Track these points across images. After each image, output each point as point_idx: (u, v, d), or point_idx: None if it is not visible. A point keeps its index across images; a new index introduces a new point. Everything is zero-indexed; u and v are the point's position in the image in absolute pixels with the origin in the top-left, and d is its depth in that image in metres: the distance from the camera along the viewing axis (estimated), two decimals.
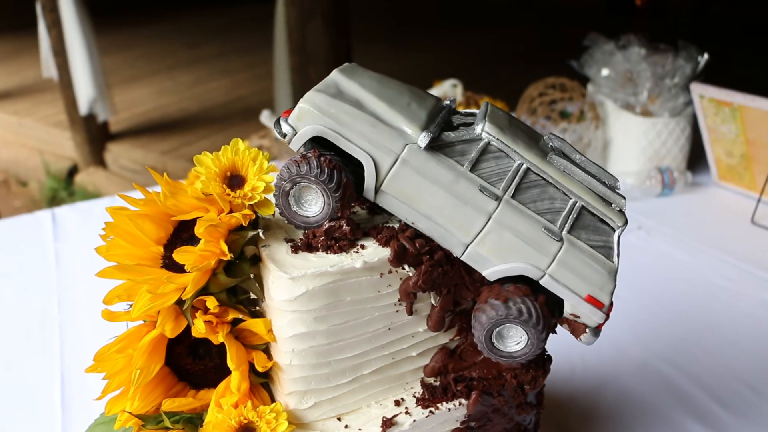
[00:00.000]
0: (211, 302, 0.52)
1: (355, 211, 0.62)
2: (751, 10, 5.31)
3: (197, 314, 0.53)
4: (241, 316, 0.55)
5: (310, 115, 0.54)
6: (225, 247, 0.51)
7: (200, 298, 0.53)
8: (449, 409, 0.61)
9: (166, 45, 5.51)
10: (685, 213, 1.50)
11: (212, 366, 0.59)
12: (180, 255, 0.50)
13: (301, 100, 0.55)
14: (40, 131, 4.18)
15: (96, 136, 3.83)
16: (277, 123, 0.56)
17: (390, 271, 0.56)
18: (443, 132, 0.56)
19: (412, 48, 5.09)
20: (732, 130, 1.52)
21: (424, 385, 0.63)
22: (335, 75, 0.58)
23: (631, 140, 1.59)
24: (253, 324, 0.55)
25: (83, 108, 3.60)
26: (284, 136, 0.55)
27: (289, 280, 0.52)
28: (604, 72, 1.63)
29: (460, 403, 0.62)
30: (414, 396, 0.62)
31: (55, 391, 0.96)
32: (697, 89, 1.53)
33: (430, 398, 0.62)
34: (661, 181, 1.55)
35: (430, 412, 0.61)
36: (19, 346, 1.07)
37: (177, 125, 4.07)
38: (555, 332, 0.61)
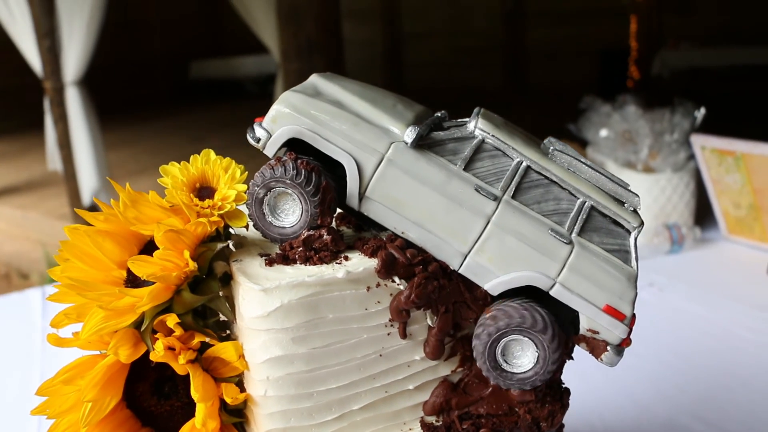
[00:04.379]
0: (172, 320, 0.45)
1: (340, 230, 0.56)
2: (746, 87, 5.48)
3: (157, 336, 0.46)
4: (208, 340, 0.48)
5: (286, 117, 0.50)
6: (188, 255, 0.45)
7: (161, 318, 0.46)
8: None
9: (171, 140, 5.63)
10: (697, 269, 1.43)
11: (179, 406, 0.51)
12: (136, 264, 0.44)
13: (276, 101, 0.51)
14: (44, 224, 4.20)
15: None
16: (251, 129, 0.51)
17: (378, 285, 0.49)
18: (432, 132, 0.51)
19: None
20: (737, 180, 1.48)
21: (424, 425, 0.55)
22: (314, 79, 0.54)
23: None
24: (221, 349, 0.48)
25: (86, 199, 3.62)
26: (258, 141, 0.51)
27: (260, 292, 0.45)
28: (603, 133, 1.62)
29: None
30: None
31: None
32: (698, 140, 1.51)
33: None
34: (669, 238, 1.50)
35: None
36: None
37: None
38: (571, 358, 0.54)
